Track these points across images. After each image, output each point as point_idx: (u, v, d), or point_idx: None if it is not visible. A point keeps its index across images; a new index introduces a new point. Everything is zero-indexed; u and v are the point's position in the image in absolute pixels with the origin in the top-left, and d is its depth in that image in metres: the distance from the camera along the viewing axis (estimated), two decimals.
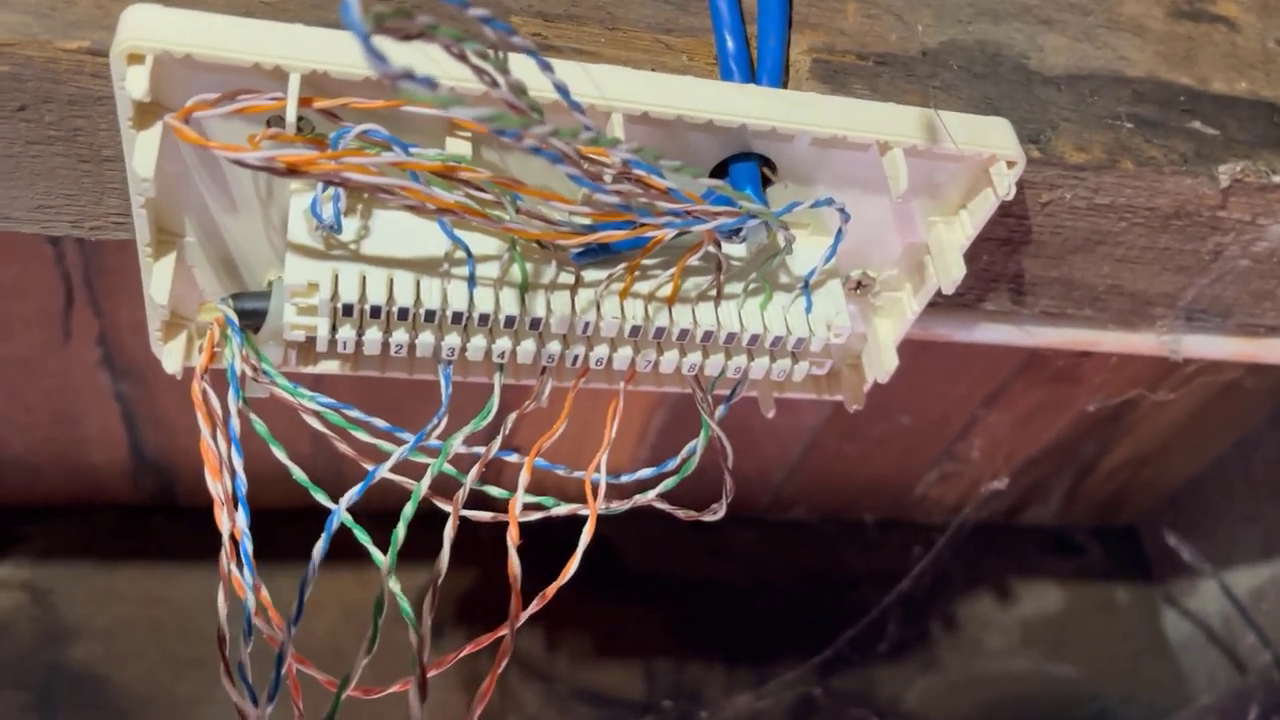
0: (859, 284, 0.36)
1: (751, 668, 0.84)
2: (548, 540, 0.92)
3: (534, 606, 0.31)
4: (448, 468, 0.32)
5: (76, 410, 0.71)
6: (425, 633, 0.27)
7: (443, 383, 0.32)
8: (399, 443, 0.32)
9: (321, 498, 0.32)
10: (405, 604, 0.30)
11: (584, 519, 0.34)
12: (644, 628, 0.85)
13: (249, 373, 0.32)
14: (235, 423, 0.30)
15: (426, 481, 0.30)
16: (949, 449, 0.87)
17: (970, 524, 0.97)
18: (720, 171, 0.31)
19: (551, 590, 0.31)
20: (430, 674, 0.29)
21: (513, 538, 0.31)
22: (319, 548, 0.28)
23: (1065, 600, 0.95)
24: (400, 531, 0.30)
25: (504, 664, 0.30)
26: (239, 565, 0.30)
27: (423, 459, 0.32)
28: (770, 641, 0.86)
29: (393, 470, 0.32)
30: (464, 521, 0.32)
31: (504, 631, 0.29)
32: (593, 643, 0.84)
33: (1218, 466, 0.90)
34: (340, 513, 0.30)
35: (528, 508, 0.33)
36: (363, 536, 0.32)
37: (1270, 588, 0.80)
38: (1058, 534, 0.99)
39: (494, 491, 0.34)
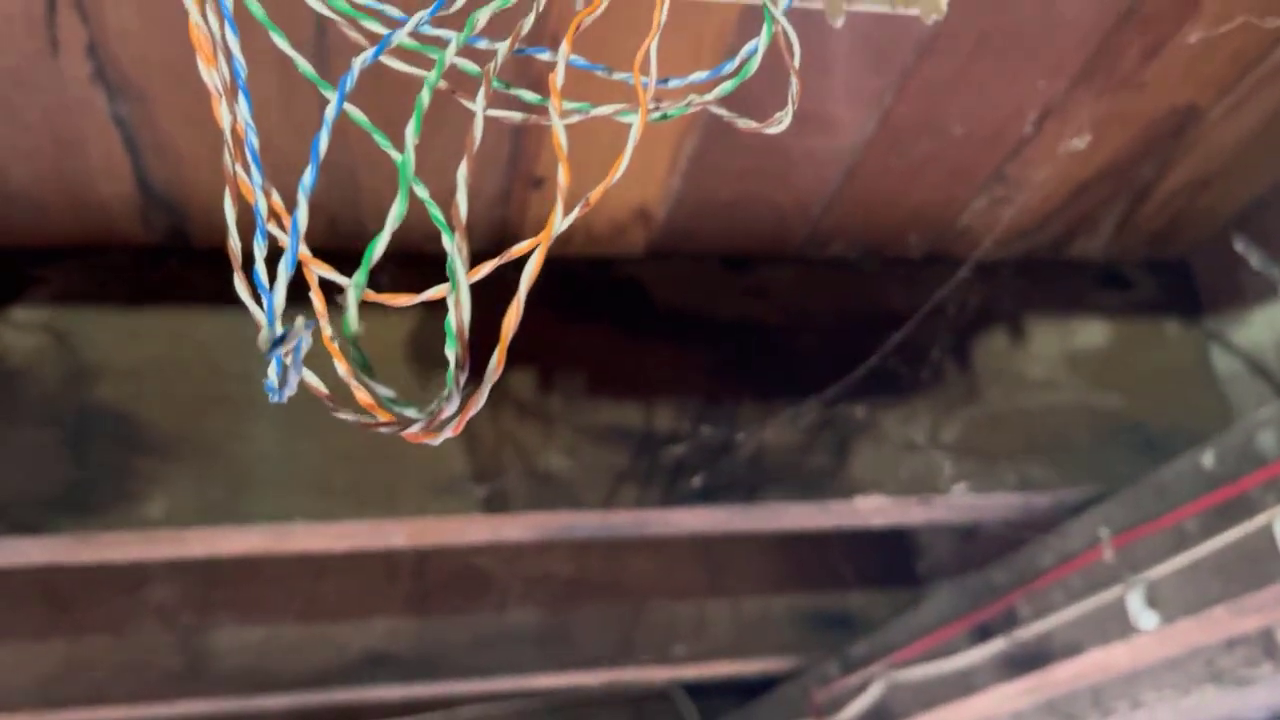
0: None
1: (789, 399, 0.82)
2: (573, 280, 0.89)
3: (576, 212, 0.26)
4: (467, 64, 0.28)
5: (76, 135, 0.67)
6: (460, 208, 0.23)
7: None
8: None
9: (327, 91, 0.28)
10: (436, 212, 0.27)
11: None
12: (676, 364, 0.83)
13: None
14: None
15: (452, 51, 0.25)
16: (1000, 170, 0.82)
17: (1016, 257, 0.93)
18: None
19: (595, 197, 0.27)
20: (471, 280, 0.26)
21: (557, 143, 0.27)
22: (331, 108, 0.24)
23: (1112, 334, 0.92)
24: (416, 124, 0.26)
25: (533, 279, 0.26)
26: (244, 166, 0.26)
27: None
28: (809, 375, 0.84)
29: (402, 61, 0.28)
30: None
31: (538, 242, 0.25)
32: (622, 380, 0.82)
33: None
34: (341, 100, 0.25)
35: (566, 112, 0.29)
36: (364, 121, 0.28)
37: None
38: (1107, 267, 0.95)
39: (527, 96, 0.30)
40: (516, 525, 0.78)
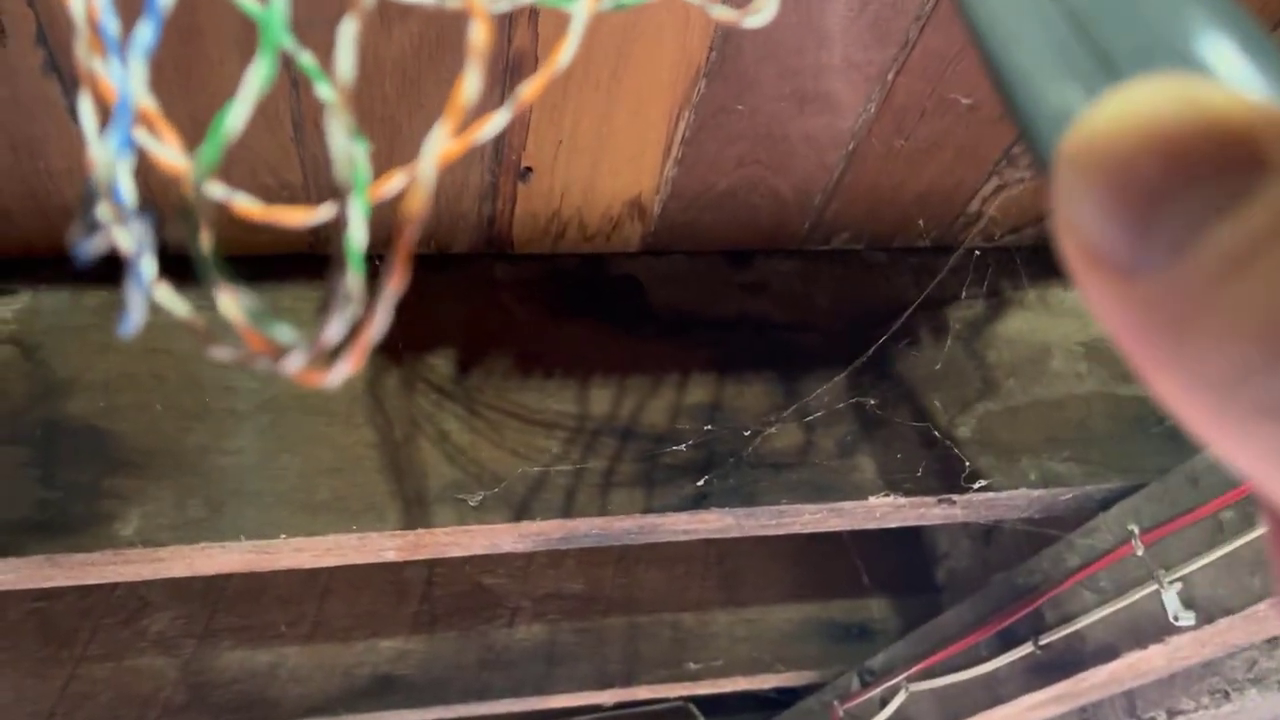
0: None
1: (796, 397, 0.78)
2: (567, 278, 0.85)
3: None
4: None
5: (34, 133, 0.64)
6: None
7: None
8: None
9: None
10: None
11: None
12: (676, 363, 0.79)
13: None
14: None
15: None
16: (1009, 150, 0.78)
17: (1031, 242, 0.89)
18: None
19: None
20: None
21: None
22: None
23: None
24: None
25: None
26: (103, 55, 0.23)
27: None
28: (816, 372, 0.80)
29: None
30: None
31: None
32: (621, 381, 0.78)
33: None
34: None
35: None
36: None
37: None
38: None
39: None
40: (512, 535, 0.74)
